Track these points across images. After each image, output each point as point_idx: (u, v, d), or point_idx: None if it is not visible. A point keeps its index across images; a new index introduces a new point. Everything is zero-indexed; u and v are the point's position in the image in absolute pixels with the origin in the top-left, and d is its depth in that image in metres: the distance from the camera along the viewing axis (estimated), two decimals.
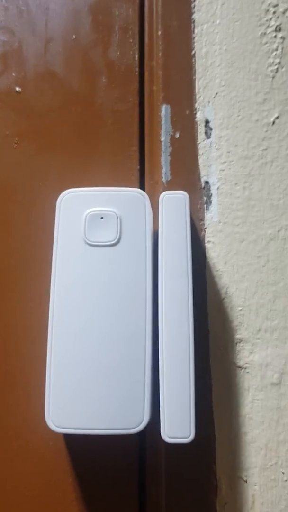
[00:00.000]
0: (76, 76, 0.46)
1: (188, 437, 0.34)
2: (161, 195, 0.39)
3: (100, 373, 0.36)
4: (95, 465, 0.39)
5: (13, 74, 0.46)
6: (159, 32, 0.47)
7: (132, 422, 0.35)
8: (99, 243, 0.38)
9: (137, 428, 0.35)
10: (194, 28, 0.47)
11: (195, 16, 0.47)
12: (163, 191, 0.42)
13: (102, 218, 0.38)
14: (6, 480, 0.39)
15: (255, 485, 0.39)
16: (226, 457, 0.39)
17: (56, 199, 0.40)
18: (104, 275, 0.37)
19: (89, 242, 0.38)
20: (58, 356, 0.36)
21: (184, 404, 0.35)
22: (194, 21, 0.47)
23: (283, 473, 0.39)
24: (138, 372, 0.36)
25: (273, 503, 0.38)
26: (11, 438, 0.40)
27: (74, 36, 0.47)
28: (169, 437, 0.35)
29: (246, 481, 0.39)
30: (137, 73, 0.47)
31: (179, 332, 0.36)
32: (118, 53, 0.47)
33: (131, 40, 0.47)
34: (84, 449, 0.39)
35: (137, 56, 0.47)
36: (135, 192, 0.39)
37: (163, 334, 0.36)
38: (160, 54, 0.46)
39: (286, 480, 0.39)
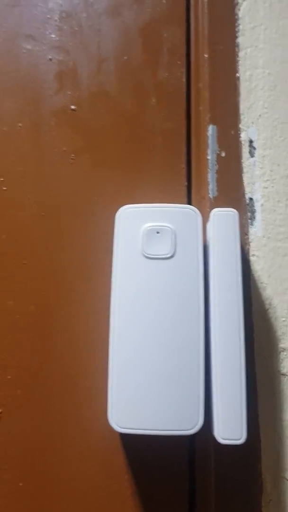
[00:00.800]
0: (128, 96, 0.49)
1: (240, 438, 0.37)
2: (212, 212, 0.41)
3: (158, 378, 0.39)
4: (148, 464, 0.42)
5: (69, 93, 0.49)
6: (205, 55, 0.49)
7: (188, 423, 0.38)
8: (156, 256, 0.41)
9: (192, 429, 0.38)
10: (238, 51, 0.49)
11: (239, 40, 0.50)
12: (210, 207, 0.45)
13: (158, 232, 0.41)
14: (68, 474, 0.42)
15: None
16: (271, 458, 0.42)
17: (110, 213, 0.42)
18: (161, 286, 0.40)
19: (146, 255, 0.41)
20: (119, 362, 0.39)
21: (236, 408, 0.38)
22: (238, 45, 0.50)
23: None
24: (193, 376, 0.39)
25: None
26: (74, 437, 0.42)
27: (125, 57, 0.50)
28: (223, 439, 0.37)
29: None
30: (184, 94, 0.49)
31: (231, 340, 0.39)
32: (167, 74, 0.50)
33: (179, 62, 0.50)
34: (138, 449, 0.42)
35: (184, 77, 0.50)
36: (188, 208, 0.42)
37: (216, 342, 0.39)
38: (206, 76, 0.49)
39: None
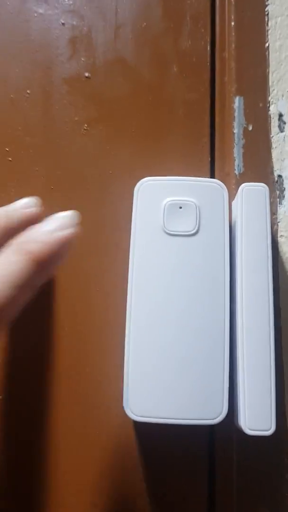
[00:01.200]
0: (147, 64, 0.46)
1: (269, 429, 0.34)
2: (241, 187, 0.38)
3: (178, 363, 0.35)
4: (165, 456, 0.38)
5: (82, 60, 0.46)
6: (232, 23, 0.46)
7: (210, 412, 0.35)
8: (178, 233, 0.37)
9: (216, 419, 0.35)
10: (268, 20, 0.46)
11: (269, 8, 0.46)
12: (236, 184, 0.42)
13: (181, 208, 0.38)
14: (78, 466, 0.39)
15: None
16: None
17: (127, 187, 0.39)
18: (183, 265, 0.37)
19: (168, 231, 0.37)
20: (136, 346, 0.36)
21: (265, 397, 0.34)
22: (268, 13, 0.46)
23: None
24: (217, 363, 0.35)
25: None
26: (85, 425, 0.39)
27: (144, 24, 0.46)
28: (250, 429, 0.34)
29: None
30: (208, 64, 0.46)
31: (259, 325, 0.36)
32: (190, 43, 0.46)
33: (202, 30, 0.46)
34: (155, 439, 0.39)
35: (208, 46, 0.46)
36: (214, 183, 0.39)
37: (243, 325, 0.36)
38: (233, 46, 0.46)
39: None
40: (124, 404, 0.35)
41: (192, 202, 0.38)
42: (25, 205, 0.35)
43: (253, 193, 0.38)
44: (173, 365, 0.35)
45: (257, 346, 0.35)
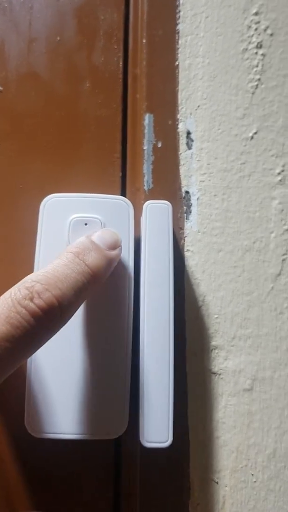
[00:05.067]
0: (60, 79, 0.46)
1: (166, 441, 0.35)
2: (145, 204, 0.39)
3: (79, 378, 0.36)
4: (71, 471, 0.39)
5: None
6: (144, 40, 0.47)
7: (111, 427, 0.36)
8: None
9: (116, 433, 0.36)
10: (178, 39, 0.47)
11: (180, 27, 0.48)
12: (145, 199, 0.43)
13: (86, 224, 0.39)
14: None
15: (226, 487, 0.40)
16: (200, 461, 0.40)
17: (37, 202, 0.40)
18: None
19: None
20: (37, 361, 0.36)
21: (162, 409, 0.36)
22: (178, 32, 0.48)
23: (252, 474, 0.40)
24: (118, 376, 0.37)
25: (242, 503, 0.40)
26: None
27: (58, 38, 0.47)
28: (148, 442, 0.35)
29: (217, 483, 0.40)
30: (121, 80, 0.47)
31: (160, 338, 0.37)
32: (103, 59, 0.47)
33: (115, 46, 0.47)
34: (62, 455, 0.39)
35: (121, 62, 0.47)
36: (120, 199, 0.40)
37: (143, 339, 0.37)
38: (144, 63, 0.47)
39: (255, 482, 0.40)
40: (25, 421, 0.35)
41: (97, 218, 0.39)
42: None
43: (156, 210, 0.40)
44: (74, 381, 0.36)
45: (156, 361, 0.37)
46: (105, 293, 0.38)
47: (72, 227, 0.38)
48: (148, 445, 0.35)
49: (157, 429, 0.35)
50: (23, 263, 0.41)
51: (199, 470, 0.40)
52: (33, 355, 0.36)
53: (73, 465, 0.39)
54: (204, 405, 0.41)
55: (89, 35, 0.47)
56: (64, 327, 0.36)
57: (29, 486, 0.39)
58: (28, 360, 0.36)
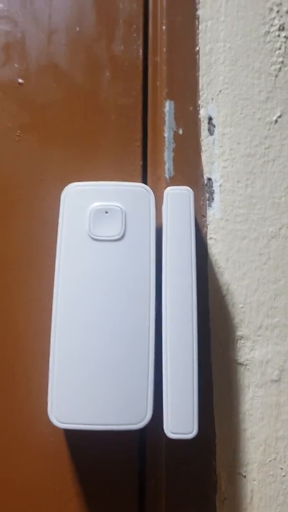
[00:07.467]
0: (80, 70, 0.46)
1: (191, 432, 0.35)
2: (166, 191, 0.39)
3: (103, 368, 0.36)
4: (95, 461, 0.39)
5: (16, 66, 0.46)
6: (164, 27, 0.47)
7: (135, 418, 0.35)
8: (104, 238, 0.38)
9: (140, 424, 0.35)
10: (198, 24, 0.47)
11: (200, 12, 0.47)
12: (166, 187, 0.42)
13: (107, 212, 0.38)
14: (6, 474, 0.39)
15: (254, 481, 0.39)
16: (226, 453, 0.39)
17: (59, 193, 0.39)
18: (108, 270, 0.37)
19: (93, 236, 0.37)
20: (61, 352, 0.36)
21: (187, 400, 0.35)
22: (198, 17, 0.47)
23: (281, 468, 0.39)
24: (142, 367, 0.36)
25: (271, 498, 0.39)
26: (12, 433, 0.39)
27: (78, 29, 0.47)
28: (172, 433, 0.35)
29: (245, 477, 0.39)
30: (141, 68, 0.46)
31: (183, 328, 0.36)
32: (122, 47, 0.46)
33: (135, 35, 0.47)
34: (84, 445, 0.39)
35: (141, 51, 0.47)
36: (140, 187, 0.39)
37: (167, 330, 0.36)
38: (164, 50, 0.46)
39: (284, 476, 0.39)
40: (49, 412, 0.35)
41: (118, 207, 0.38)
42: None
43: (177, 196, 0.39)
44: (98, 372, 0.36)
45: (180, 351, 0.36)
46: (127, 283, 0.37)
47: (93, 215, 0.38)
48: (173, 436, 0.34)
49: (181, 419, 0.35)
50: (45, 254, 0.41)
51: (226, 463, 0.39)
52: (57, 346, 0.36)
53: (96, 457, 0.39)
54: (230, 397, 0.40)
55: (108, 25, 0.47)
56: (87, 317, 0.36)
57: (52, 478, 0.39)
58: (51, 350, 0.36)
